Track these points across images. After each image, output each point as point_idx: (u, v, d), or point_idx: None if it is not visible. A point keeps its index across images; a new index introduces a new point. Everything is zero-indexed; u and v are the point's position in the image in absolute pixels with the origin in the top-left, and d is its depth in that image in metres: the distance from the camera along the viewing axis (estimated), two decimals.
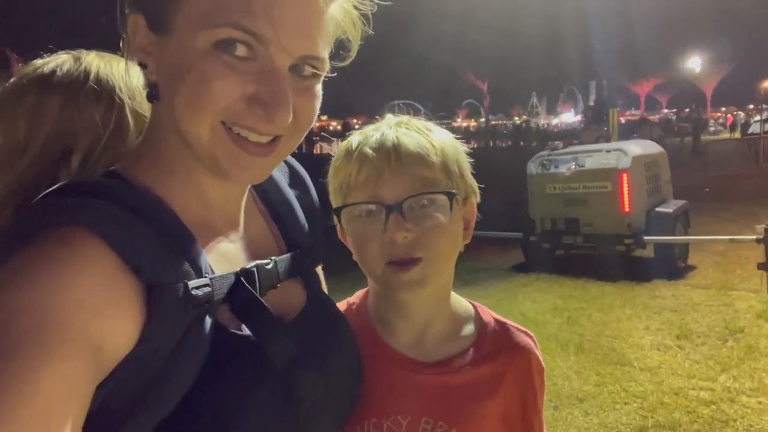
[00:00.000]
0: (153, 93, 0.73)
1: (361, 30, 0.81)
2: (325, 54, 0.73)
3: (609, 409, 3.94)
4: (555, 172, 7.63)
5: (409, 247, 0.91)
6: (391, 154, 0.91)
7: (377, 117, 1.03)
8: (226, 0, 0.65)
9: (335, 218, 0.99)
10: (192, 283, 0.66)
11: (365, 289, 1.09)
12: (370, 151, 0.92)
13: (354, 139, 0.97)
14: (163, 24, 0.69)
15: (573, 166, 7.47)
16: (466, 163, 1.00)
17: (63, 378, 0.53)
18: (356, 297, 1.10)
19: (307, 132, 0.77)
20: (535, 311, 6.05)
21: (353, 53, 0.81)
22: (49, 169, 0.80)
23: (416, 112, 1.02)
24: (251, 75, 0.67)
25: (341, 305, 1.06)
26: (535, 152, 8.52)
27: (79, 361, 0.55)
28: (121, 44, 0.77)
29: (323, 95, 0.77)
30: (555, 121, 75.36)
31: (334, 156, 1.00)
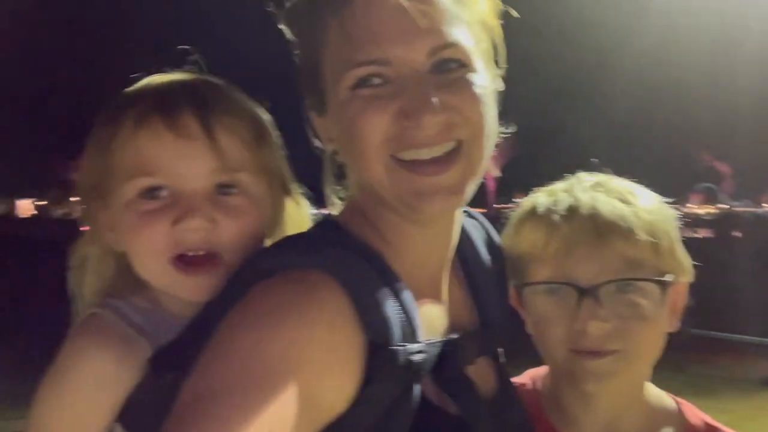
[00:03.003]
0: (342, 173, 0.78)
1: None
2: (457, 38, 0.70)
3: None
4: None
5: (602, 338, 0.79)
6: (587, 226, 0.80)
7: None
8: (342, 48, 0.70)
9: (512, 288, 0.91)
10: (410, 348, 0.64)
11: (538, 369, 0.98)
12: (560, 219, 0.82)
13: (540, 200, 0.88)
14: (323, 105, 0.75)
15: None
16: (677, 234, 0.86)
17: (281, 422, 0.56)
18: (527, 377, 0.98)
19: (489, 130, 0.72)
20: None
21: (501, 54, 0.78)
22: None
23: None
24: (391, 95, 0.69)
25: None
26: None
27: (299, 412, 0.57)
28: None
29: None
30: None
31: (513, 214, 0.93)
